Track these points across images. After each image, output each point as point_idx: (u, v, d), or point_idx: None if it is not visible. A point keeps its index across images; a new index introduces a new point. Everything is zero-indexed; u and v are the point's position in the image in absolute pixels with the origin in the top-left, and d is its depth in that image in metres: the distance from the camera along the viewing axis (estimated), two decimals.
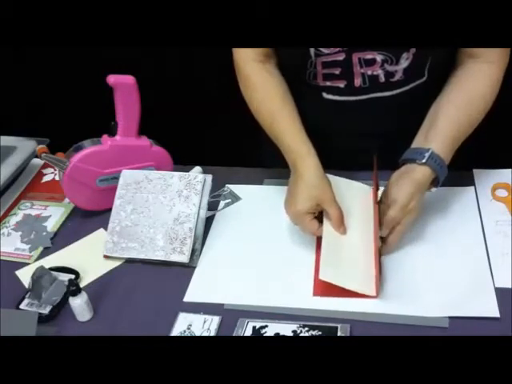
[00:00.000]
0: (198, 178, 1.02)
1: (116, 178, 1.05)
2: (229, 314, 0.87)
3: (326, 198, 0.92)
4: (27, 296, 0.93)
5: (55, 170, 1.22)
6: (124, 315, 0.90)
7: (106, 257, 1.00)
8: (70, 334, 0.87)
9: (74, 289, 0.88)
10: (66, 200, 1.13)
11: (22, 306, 0.92)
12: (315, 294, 0.88)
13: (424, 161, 0.90)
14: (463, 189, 1.03)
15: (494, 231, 0.94)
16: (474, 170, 1.07)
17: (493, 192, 1.01)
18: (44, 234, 1.07)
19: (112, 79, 1.01)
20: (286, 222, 0.97)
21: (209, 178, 1.02)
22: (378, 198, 0.94)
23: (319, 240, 0.93)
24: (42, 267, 0.94)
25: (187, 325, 0.86)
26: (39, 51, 1.58)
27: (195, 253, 0.98)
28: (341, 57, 0.96)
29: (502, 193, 1.01)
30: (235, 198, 1.10)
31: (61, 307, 0.91)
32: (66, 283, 0.91)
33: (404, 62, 0.96)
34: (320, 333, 0.81)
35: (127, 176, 1.05)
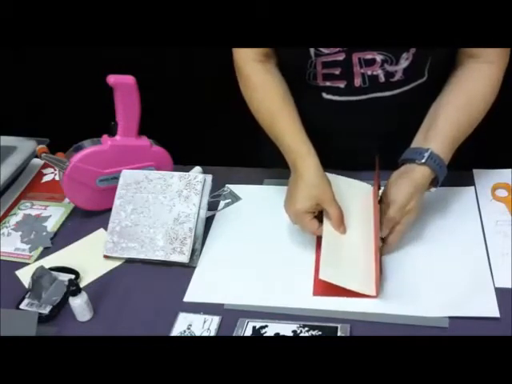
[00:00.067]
0: (197, 178, 1.02)
1: (116, 178, 1.05)
2: (229, 314, 0.87)
3: (325, 198, 0.92)
4: (27, 296, 0.93)
5: (55, 170, 1.22)
6: (124, 315, 0.90)
7: (106, 257, 1.00)
8: (70, 334, 0.87)
9: (74, 289, 0.88)
10: (66, 200, 1.13)
11: (22, 306, 0.92)
12: (315, 293, 0.88)
13: (423, 161, 0.90)
14: (463, 189, 1.03)
15: (494, 231, 0.94)
16: (474, 170, 1.07)
17: (493, 192, 1.01)
18: (44, 234, 1.07)
19: (112, 79, 1.01)
20: (286, 221, 0.97)
21: (209, 178, 1.02)
22: (378, 198, 0.94)
23: (319, 240, 0.93)
24: (41, 267, 0.94)
25: (187, 325, 0.86)
26: (39, 51, 1.58)
27: (195, 253, 0.98)
28: (341, 57, 0.96)
29: (502, 193, 1.01)
30: (235, 198, 1.10)
31: (61, 307, 0.91)
32: (66, 283, 0.91)
33: (404, 62, 0.96)
34: (320, 333, 0.81)
35: (127, 176, 1.05)
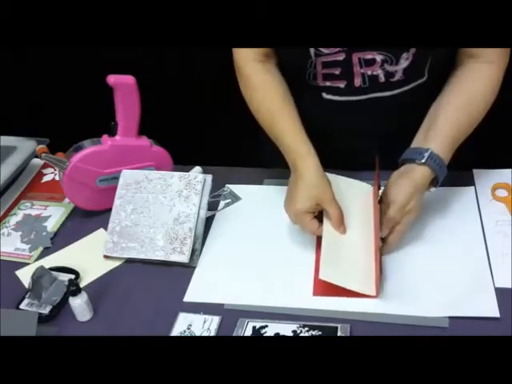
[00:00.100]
0: (197, 178, 1.02)
1: (116, 178, 1.05)
2: (229, 314, 0.87)
3: (325, 198, 0.92)
4: (27, 296, 0.93)
5: (55, 170, 1.22)
6: (124, 315, 0.90)
7: (106, 257, 1.00)
8: (70, 334, 0.87)
9: (74, 289, 0.88)
10: (66, 200, 1.13)
11: (22, 306, 0.92)
12: (315, 293, 0.88)
13: (423, 161, 0.90)
14: (463, 189, 1.03)
15: (494, 231, 0.94)
16: (474, 170, 1.07)
17: (493, 192, 1.01)
18: (44, 234, 1.07)
19: (112, 79, 1.01)
20: (286, 221, 0.97)
21: (209, 178, 1.02)
22: (378, 198, 0.94)
23: (319, 239, 0.93)
24: (41, 267, 0.94)
25: (187, 325, 0.86)
26: (39, 51, 1.58)
27: (195, 253, 0.98)
28: (341, 57, 0.96)
29: (502, 193, 1.01)
30: (235, 198, 1.10)
31: (61, 307, 0.91)
32: (66, 283, 0.91)
33: (404, 62, 0.96)
34: (320, 333, 0.81)
35: (127, 176, 1.05)
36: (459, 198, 1.01)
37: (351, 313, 0.84)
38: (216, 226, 1.05)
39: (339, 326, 0.82)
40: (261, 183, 1.14)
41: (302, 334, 0.81)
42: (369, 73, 0.97)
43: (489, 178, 1.04)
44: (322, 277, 0.86)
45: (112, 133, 1.05)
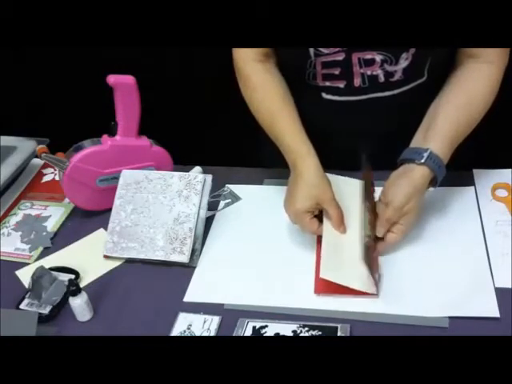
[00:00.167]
0: (197, 178, 1.02)
1: (116, 178, 1.05)
2: (229, 314, 0.87)
3: (325, 198, 0.92)
4: (27, 296, 0.93)
5: (55, 169, 1.22)
6: (124, 315, 0.90)
7: (106, 257, 1.00)
8: (70, 334, 0.87)
9: (74, 289, 0.88)
10: (66, 200, 1.13)
11: (22, 306, 0.92)
12: (316, 291, 0.88)
13: (422, 161, 0.90)
14: (463, 189, 1.03)
15: (494, 231, 0.94)
16: (474, 170, 1.07)
17: (493, 192, 1.01)
18: (44, 234, 1.07)
19: (112, 79, 1.01)
20: (286, 221, 0.97)
21: (209, 178, 1.02)
22: (377, 198, 0.94)
23: (319, 238, 0.93)
24: (41, 267, 0.94)
25: (187, 325, 0.86)
26: (39, 51, 1.58)
27: (195, 253, 0.98)
28: (340, 57, 0.96)
29: (502, 193, 1.01)
30: (235, 198, 1.11)
31: (61, 307, 0.91)
32: (66, 283, 0.91)
33: (403, 62, 0.96)
34: (320, 333, 0.81)
35: (127, 176, 1.05)
36: (459, 198, 1.01)
37: (351, 313, 0.84)
38: (216, 225, 1.05)
39: (339, 326, 0.82)
40: (261, 183, 1.13)
41: (302, 334, 0.81)
42: (368, 73, 0.97)
43: (489, 178, 1.04)
44: (322, 275, 0.86)
45: (112, 133, 1.05)
